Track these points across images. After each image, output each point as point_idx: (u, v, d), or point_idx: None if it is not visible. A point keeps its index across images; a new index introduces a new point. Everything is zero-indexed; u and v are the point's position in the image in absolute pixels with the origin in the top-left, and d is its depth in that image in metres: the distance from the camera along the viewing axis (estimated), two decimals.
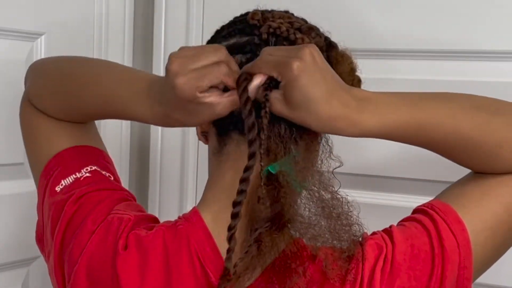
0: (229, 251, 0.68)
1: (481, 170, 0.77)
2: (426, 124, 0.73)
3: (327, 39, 0.79)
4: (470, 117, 0.74)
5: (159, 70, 1.36)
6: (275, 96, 0.70)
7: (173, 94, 0.69)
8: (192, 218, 0.76)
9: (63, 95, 0.87)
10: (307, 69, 0.68)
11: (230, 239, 0.68)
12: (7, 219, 1.19)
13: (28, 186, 1.19)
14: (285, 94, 0.69)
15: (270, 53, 0.70)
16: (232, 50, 0.74)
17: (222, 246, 0.73)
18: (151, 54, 1.38)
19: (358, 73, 0.80)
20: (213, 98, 0.69)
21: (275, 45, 0.73)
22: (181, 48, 0.71)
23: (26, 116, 0.93)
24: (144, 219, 0.80)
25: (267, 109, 0.70)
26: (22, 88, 1.18)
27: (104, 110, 0.83)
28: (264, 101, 0.70)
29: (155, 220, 0.82)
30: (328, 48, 0.78)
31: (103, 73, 0.83)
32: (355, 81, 0.79)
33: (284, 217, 0.70)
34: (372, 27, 1.14)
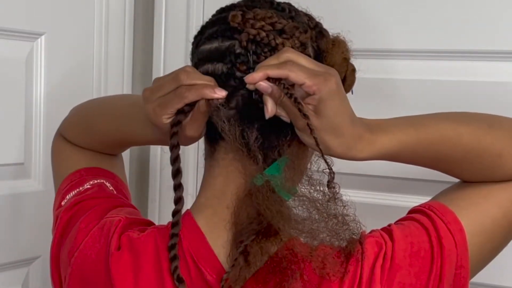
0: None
1: (483, 180, 0.79)
2: (433, 138, 0.75)
3: (316, 28, 0.78)
4: (471, 129, 0.77)
5: (159, 70, 1.36)
6: (308, 111, 0.69)
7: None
8: (184, 220, 0.76)
9: (85, 125, 0.96)
10: (340, 87, 0.70)
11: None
12: (7, 219, 1.19)
13: (28, 186, 1.20)
14: (319, 108, 0.69)
15: (298, 62, 0.69)
16: (213, 57, 0.74)
17: (216, 247, 0.74)
18: (151, 53, 1.38)
19: (352, 62, 0.78)
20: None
21: (255, 52, 0.72)
22: (156, 79, 0.75)
23: (55, 146, 1.01)
24: (136, 222, 0.81)
25: (300, 103, 0.68)
26: (22, 88, 1.18)
27: (116, 137, 0.92)
28: (291, 96, 0.68)
29: (149, 223, 0.82)
30: (317, 38, 0.77)
31: (115, 103, 0.96)
32: (348, 71, 0.77)
33: (272, 227, 0.71)
34: (373, 27, 1.14)
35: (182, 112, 0.71)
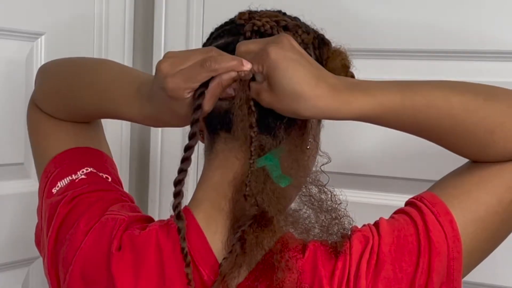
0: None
1: (475, 157, 0.76)
2: (420, 106, 0.71)
3: (319, 36, 0.79)
4: (463, 101, 0.72)
5: None
6: (263, 87, 0.69)
7: (162, 95, 0.70)
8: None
9: (63, 95, 0.89)
10: (285, 52, 0.67)
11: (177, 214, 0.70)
12: (7, 219, 1.19)
13: (28, 186, 1.19)
14: (269, 82, 0.68)
15: (246, 50, 0.70)
16: None
17: (214, 244, 0.74)
18: (151, 54, 1.38)
19: (352, 71, 0.79)
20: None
21: None
22: (171, 52, 0.71)
23: (31, 118, 0.95)
24: (138, 220, 0.80)
25: (251, 104, 0.70)
26: (22, 88, 1.18)
27: (99, 110, 0.86)
28: (246, 97, 0.70)
29: (150, 220, 0.82)
30: (320, 45, 0.78)
31: (100, 73, 0.86)
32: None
33: (268, 214, 0.70)
34: (372, 26, 1.14)
35: (204, 85, 0.69)
